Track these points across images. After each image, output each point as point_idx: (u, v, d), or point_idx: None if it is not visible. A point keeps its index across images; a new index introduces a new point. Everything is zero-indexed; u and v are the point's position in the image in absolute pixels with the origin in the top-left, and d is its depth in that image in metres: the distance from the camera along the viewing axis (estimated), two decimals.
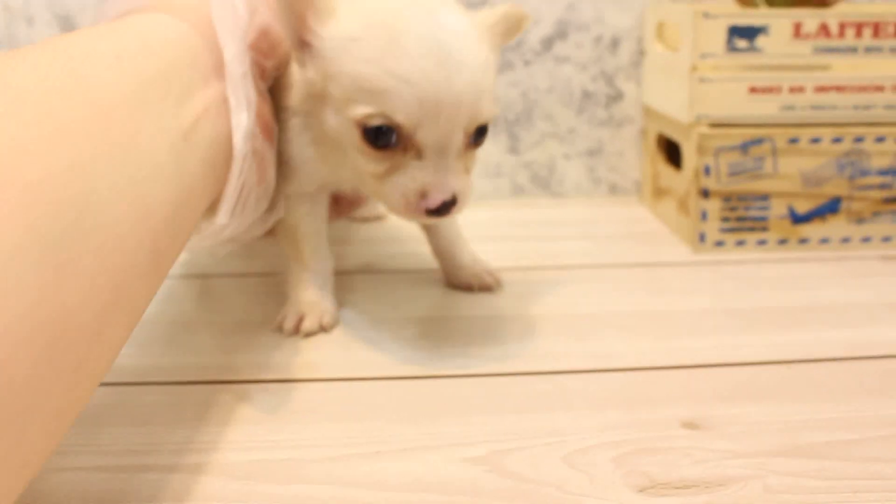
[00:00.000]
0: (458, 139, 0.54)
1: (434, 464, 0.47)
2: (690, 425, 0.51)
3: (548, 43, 0.99)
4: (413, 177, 0.55)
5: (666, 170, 0.94)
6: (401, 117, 0.53)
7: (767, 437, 0.49)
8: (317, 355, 0.62)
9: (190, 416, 0.53)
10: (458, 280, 0.75)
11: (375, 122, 0.53)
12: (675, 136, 0.90)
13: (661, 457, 0.47)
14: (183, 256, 0.82)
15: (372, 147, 0.54)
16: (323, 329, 0.66)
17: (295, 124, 0.61)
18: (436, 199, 0.54)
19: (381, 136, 0.54)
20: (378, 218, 0.95)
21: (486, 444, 0.49)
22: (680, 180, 0.89)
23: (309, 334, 0.65)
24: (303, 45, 0.56)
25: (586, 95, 1.01)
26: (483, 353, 0.62)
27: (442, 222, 0.72)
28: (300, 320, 0.66)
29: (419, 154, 0.54)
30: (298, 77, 0.60)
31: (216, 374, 0.59)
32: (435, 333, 0.66)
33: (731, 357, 0.60)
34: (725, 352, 0.61)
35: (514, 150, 1.02)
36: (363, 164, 0.56)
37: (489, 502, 0.43)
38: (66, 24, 0.97)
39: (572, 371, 0.59)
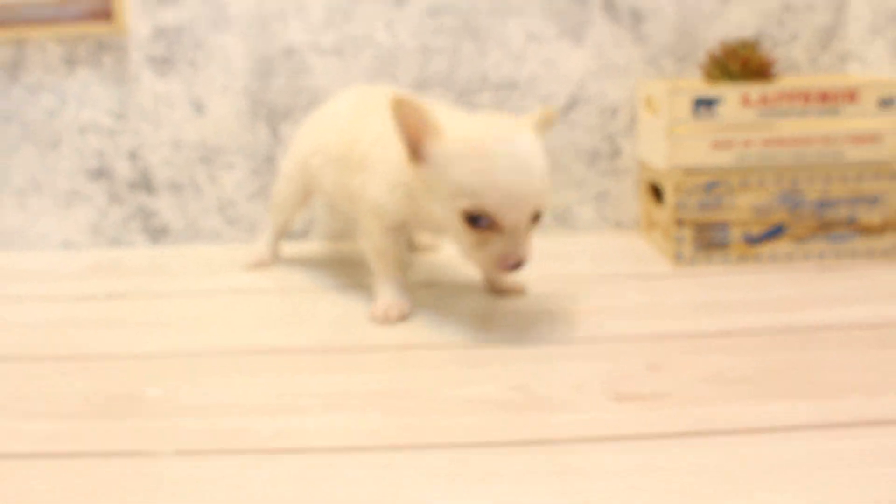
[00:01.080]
0: (527, 221, 0.83)
1: (490, 392, 0.77)
2: (654, 367, 0.80)
3: (564, 112, 1.29)
4: (497, 247, 0.83)
5: (654, 207, 1.23)
6: (491, 210, 0.81)
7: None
8: (403, 331, 0.92)
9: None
10: (496, 286, 1.04)
11: (476, 212, 0.82)
12: (659, 180, 1.19)
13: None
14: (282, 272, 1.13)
15: (471, 227, 0.83)
16: (402, 318, 0.96)
17: (393, 186, 0.92)
18: (511, 263, 0.83)
19: (478, 220, 0.82)
20: (432, 249, 1.25)
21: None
22: (663, 214, 1.18)
23: (394, 321, 0.95)
24: (416, 153, 0.86)
25: (594, 152, 1.30)
26: (521, 330, 0.91)
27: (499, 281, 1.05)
28: (389, 310, 0.96)
29: (500, 231, 0.82)
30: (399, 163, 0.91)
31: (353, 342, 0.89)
32: (475, 317, 0.95)
33: (694, 329, 0.89)
34: (690, 326, 0.90)
35: None
36: (464, 238, 0.85)
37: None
38: (198, 106, 1.29)
39: (585, 339, 0.88)
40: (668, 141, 1.13)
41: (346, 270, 1.17)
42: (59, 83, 1.31)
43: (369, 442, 0.68)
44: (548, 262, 1.17)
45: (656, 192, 1.24)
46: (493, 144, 0.82)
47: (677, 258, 1.13)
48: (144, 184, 1.33)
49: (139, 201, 1.34)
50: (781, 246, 1.13)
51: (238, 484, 0.63)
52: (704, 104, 1.12)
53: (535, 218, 0.84)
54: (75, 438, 0.71)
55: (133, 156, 1.32)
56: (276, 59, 1.28)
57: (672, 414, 0.71)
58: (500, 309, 0.99)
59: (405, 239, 1.01)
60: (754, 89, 1.11)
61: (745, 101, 1.11)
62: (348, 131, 1.00)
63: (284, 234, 1.23)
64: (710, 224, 1.13)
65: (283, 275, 1.17)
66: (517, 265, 0.83)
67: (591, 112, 1.29)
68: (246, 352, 0.89)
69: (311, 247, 1.32)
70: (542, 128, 0.89)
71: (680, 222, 1.13)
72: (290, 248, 1.31)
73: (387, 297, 0.98)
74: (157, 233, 1.35)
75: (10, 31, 1.27)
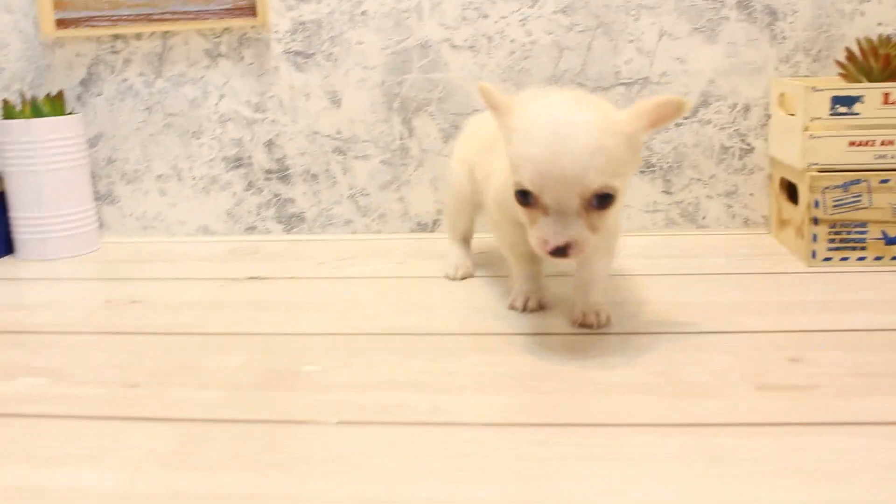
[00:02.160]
0: (574, 203, 0.76)
1: (631, 373, 0.78)
2: (794, 360, 0.80)
3: (694, 110, 1.29)
4: (541, 228, 0.78)
5: (787, 205, 1.22)
6: (529, 185, 0.77)
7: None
8: (544, 318, 0.94)
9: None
10: (572, 314, 0.95)
11: (519, 187, 0.79)
12: (793, 178, 1.18)
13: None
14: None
15: (521, 204, 0.80)
16: (539, 308, 0.98)
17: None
18: (551, 245, 0.77)
19: (524, 197, 0.79)
20: None
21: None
22: (796, 212, 1.17)
23: (530, 311, 0.97)
24: (504, 130, 0.84)
25: (724, 149, 1.30)
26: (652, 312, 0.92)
27: (585, 266, 0.94)
28: (526, 301, 0.98)
29: (546, 212, 0.78)
30: None
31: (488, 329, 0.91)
32: (611, 305, 0.96)
33: (828, 325, 0.89)
34: (825, 322, 0.90)
35: (667, 191, 1.32)
36: (521, 216, 0.83)
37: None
38: (335, 98, 1.33)
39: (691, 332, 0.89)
40: (803, 140, 1.12)
41: (480, 259, 1.20)
42: (201, 75, 1.36)
43: (522, 419, 0.70)
44: (678, 259, 1.18)
45: (789, 191, 1.23)
46: (542, 121, 0.78)
47: (811, 257, 1.13)
48: (280, 173, 1.38)
49: (275, 189, 1.38)
50: None
51: (397, 453, 0.65)
52: (842, 102, 1.11)
53: (594, 200, 0.77)
54: (244, 407, 0.75)
55: (270, 145, 1.37)
56: (412, 53, 1.31)
57: (815, 405, 0.71)
58: (635, 299, 1.00)
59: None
60: None
61: (886, 100, 1.10)
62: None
63: (469, 239, 1.19)
64: (846, 223, 1.12)
65: (416, 264, 1.20)
66: (559, 250, 0.78)
67: (722, 109, 1.29)
68: (391, 334, 0.92)
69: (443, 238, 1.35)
70: (656, 118, 0.80)
71: (814, 221, 1.12)
72: (422, 241, 1.34)
73: (523, 288, 0.99)
74: (291, 220, 1.39)
75: (157, 26, 1.33)
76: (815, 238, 1.12)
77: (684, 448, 0.65)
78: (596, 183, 0.76)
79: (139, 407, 0.76)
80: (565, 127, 0.76)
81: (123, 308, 1.05)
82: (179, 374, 0.83)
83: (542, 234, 0.78)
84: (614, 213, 0.81)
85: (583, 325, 0.92)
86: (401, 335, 0.92)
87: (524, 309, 0.98)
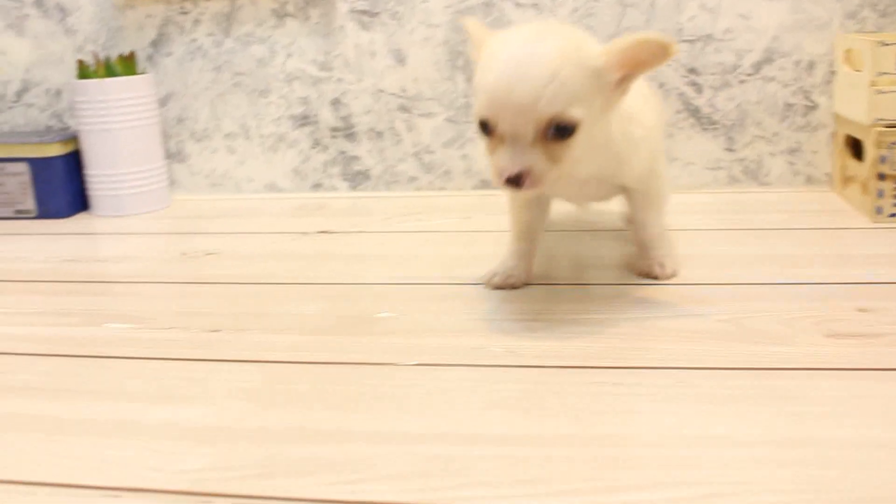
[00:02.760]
0: (528, 131, 0.73)
1: (699, 321, 0.80)
2: (863, 310, 0.82)
3: (757, 66, 1.29)
4: (498, 157, 0.75)
5: (851, 162, 1.22)
6: (486, 113, 0.75)
7: None
8: (613, 273, 0.95)
9: None
10: (636, 267, 0.95)
11: (478, 117, 0.76)
12: (859, 135, 1.18)
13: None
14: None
15: (483, 135, 0.77)
16: (502, 287, 0.99)
17: None
18: (504, 174, 0.75)
19: (483, 128, 0.76)
20: None
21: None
22: (862, 169, 1.17)
23: (492, 289, 0.98)
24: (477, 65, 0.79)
25: (788, 107, 1.30)
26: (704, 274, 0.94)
27: (637, 225, 0.94)
28: (499, 280, 0.95)
29: (502, 142, 0.75)
30: None
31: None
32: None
33: (890, 276, 0.90)
34: (893, 274, 0.91)
35: (730, 149, 1.32)
36: (484, 149, 0.78)
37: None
38: (399, 57, 1.35)
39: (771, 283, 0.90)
40: (869, 95, 1.12)
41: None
42: (268, 35, 1.39)
43: (595, 362, 0.72)
44: (741, 215, 1.18)
45: (854, 148, 1.23)
46: (501, 50, 0.75)
47: (876, 212, 1.13)
48: (346, 130, 1.40)
49: (340, 147, 1.41)
50: None
51: (474, 392, 0.68)
52: None
53: (550, 131, 0.74)
54: (324, 350, 0.78)
55: (336, 104, 1.39)
56: (476, 11, 1.32)
57: (885, 352, 0.72)
58: (701, 252, 1.01)
59: (543, 209, 0.96)
60: None
61: None
62: None
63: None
64: None
65: (481, 219, 1.23)
66: (513, 180, 0.75)
67: (786, 66, 1.29)
68: (460, 283, 0.95)
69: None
70: (635, 59, 0.75)
71: (880, 176, 1.12)
72: (486, 198, 1.36)
73: (504, 265, 0.95)
74: (357, 177, 1.42)
75: None
76: (880, 194, 1.12)
77: (758, 389, 0.66)
78: (548, 111, 0.73)
79: (223, 350, 0.80)
80: (522, 56, 0.74)
81: (200, 259, 1.09)
82: (258, 321, 0.87)
83: (497, 163, 0.76)
84: (577, 145, 0.76)
85: (647, 275, 0.94)
86: (469, 284, 0.94)
87: (494, 287, 0.93)
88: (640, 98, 0.88)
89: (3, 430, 0.66)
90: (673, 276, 0.93)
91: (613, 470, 0.56)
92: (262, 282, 0.99)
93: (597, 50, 0.76)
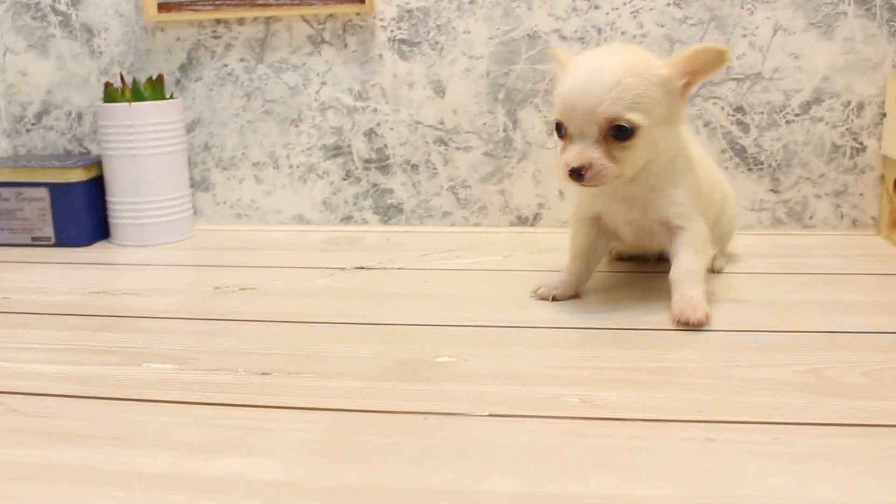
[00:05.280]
0: (592, 131, 0.86)
1: (779, 371, 0.76)
2: None
3: (806, 107, 1.26)
4: (565, 154, 0.88)
5: None
6: (559, 116, 0.88)
7: None
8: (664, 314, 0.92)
9: None
10: (671, 311, 0.90)
11: (554, 119, 0.90)
12: None
13: None
14: None
15: (558, 136, 0.90)
16: (545, 299, 0.99)
17: None
18: (568, 165, 0.86)
19: (558, 129, 0.90)
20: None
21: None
22: None
23: (536, 299, 0.95)
24: None
25: (835, 148, 1.27)
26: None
27: (675, 263, 0.93)
28: (538, 290, 1.00)
29: (571, 141, 0.87)
30: None
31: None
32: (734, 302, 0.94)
33: None
34: None
35: (775, 190, 1.29)
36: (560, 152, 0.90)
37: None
38: (438, 88, 1.32)
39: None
40: None
41: None
42: (303, 62, 1.35)
43: (678, 415, 0.68)
44: (789, 258, 1.15)
45: None
46: (577, 65, 0.89)
47: None
48: (379, 162, 1.36)
49: (373, 179, 1.37)
50: None
51: (559, 447, 0.64)
52: None
53: (611, 131, 0.86)
54: (387, 397, 0.74)
55: (370, 134, 1.36)
56: (519, 44, 1.29)
57: None
58: (757, 298, 0.98)
59: (601, 236, 1.00)
60: None
61: None
62: None
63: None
64: None
65: (522, 258, 1.19)
66: (575, 172, 0.86)
67: (835, 107, 1.26)
68: (517, 326, 0.90)
69: (543, 233, 1.33)
70: (697, 67, 0.89)
71: None
72: (523, 235, 1.32)
73: (558, 279, 1.00)
74: (389, 210, 1.38)
75: (260, 11, 1.32)
76: None
77: (854, 448, 0.62)
78: (610, 111, 0.85)
79: (277, 395, 0.75)
80: (593, 67, 0.86)
81: (234, 294, 1.05)
82: (310, 363, 0.82)
83: (564, 158, 0.87)
84: (638, 149, 0.87)
85: (679, 321, 0.88)
86: (526, 328, 0.90)
87: (541, 298, 0.99)
88: (700, 156, 1.01)
89: (40, 481, 0.61)
90: (706, 321, 0.88)
91: None
92: (304, 320, 0.94)
93: (661, 63, 0.89)
